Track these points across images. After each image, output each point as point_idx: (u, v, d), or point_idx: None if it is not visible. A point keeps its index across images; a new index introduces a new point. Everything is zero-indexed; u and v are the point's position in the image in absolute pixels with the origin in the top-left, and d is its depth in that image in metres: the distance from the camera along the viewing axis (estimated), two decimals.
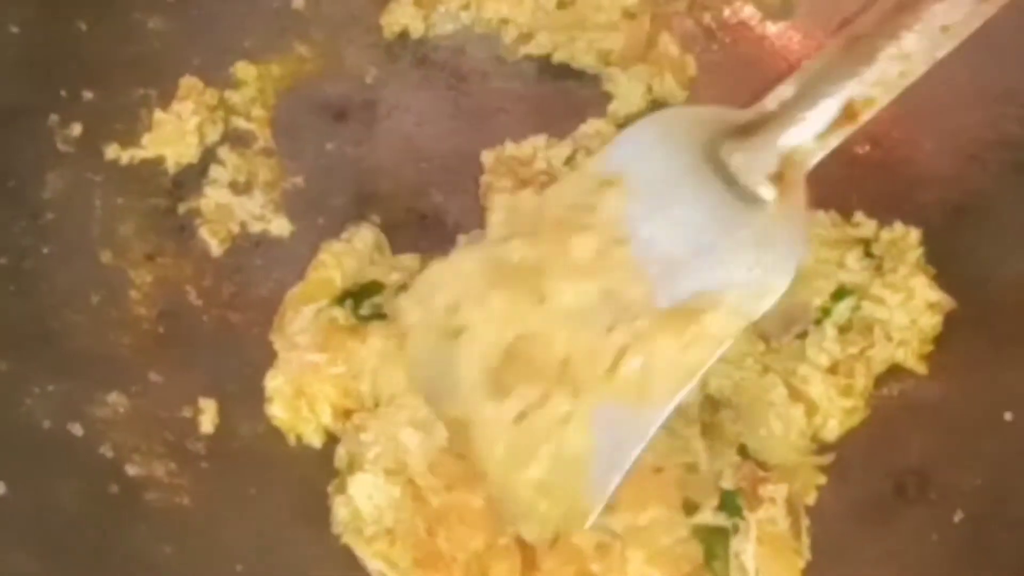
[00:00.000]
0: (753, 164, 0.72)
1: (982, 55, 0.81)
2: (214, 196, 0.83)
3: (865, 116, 0.71)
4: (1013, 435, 0.75)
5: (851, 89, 0.71)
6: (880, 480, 0.77)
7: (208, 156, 0.84)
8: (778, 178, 0.72)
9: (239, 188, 0.84)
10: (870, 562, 0.74)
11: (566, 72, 0.92)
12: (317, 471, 0.73)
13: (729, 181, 0.72)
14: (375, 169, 0.88)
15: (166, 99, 0.83)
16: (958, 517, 0.74)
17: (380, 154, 0.88)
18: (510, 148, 0.86)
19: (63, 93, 0.79)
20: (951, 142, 0.88)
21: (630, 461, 0.67)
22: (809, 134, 0.71)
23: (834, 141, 0.71)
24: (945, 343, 0.81)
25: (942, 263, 0.84)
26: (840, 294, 0.82)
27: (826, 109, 0.71)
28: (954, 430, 0.77)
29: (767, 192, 0.71)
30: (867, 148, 0.90)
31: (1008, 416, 0.76)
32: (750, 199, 0.72)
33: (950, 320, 0.82)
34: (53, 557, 0.61)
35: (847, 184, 0.88)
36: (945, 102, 0.86)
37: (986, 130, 0.87)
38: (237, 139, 0.85)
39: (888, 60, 0.70)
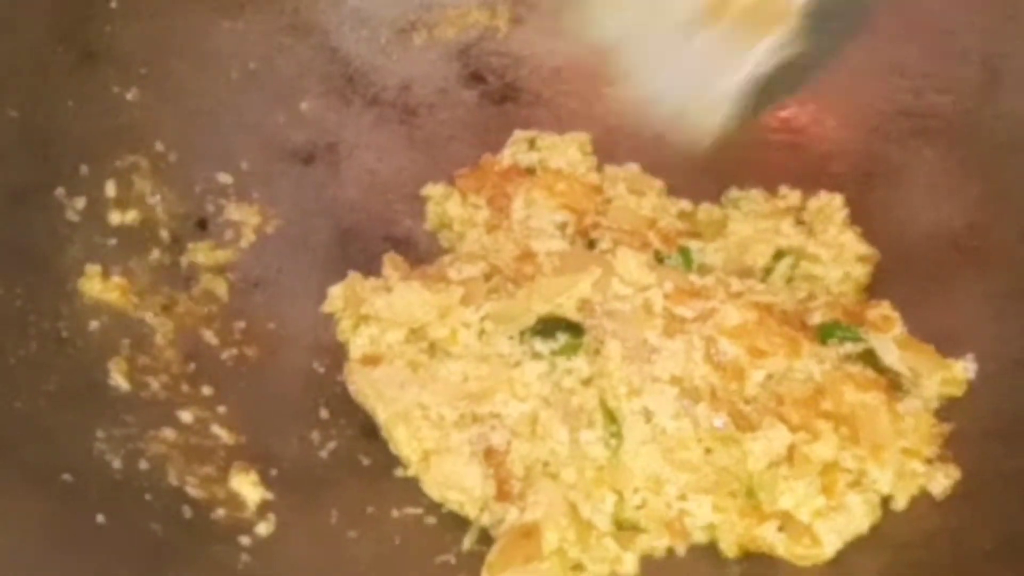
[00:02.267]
0: None
1: (873, 34, 0.93)
2: (208, 248, 0.90)
3: None
4: None
5: None
6: None
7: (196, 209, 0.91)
8: None
9: (229, 239, 0.91)
10: None
11: (505, 96, 1.01)
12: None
13: None
14: (347, 205, 0.96)
15: (154, 162, 0.90)
16: None
17: (349, 191, 0.96)
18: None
19: (64, 168, 0.85)
20: (854, 118, 0.99)
21: None
22: None
23: None
24: (875, 291, 0.92)
25: (862, 223, 0.94)
26: (779, 255, 0.92)
27: None
28: None
29: None
30: (780, 134, 1.00)
31: None
32: None
33: (878, 271, 0.92)
34: (150, 573, 0.68)
35: (766, 166, 0.98)
36: (843, 82, 0.96)
37: (884, 103, 0.98)
38: (219, 191, 0.93)
39: None
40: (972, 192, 0.92)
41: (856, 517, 0.77)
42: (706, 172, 0.92)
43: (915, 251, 0.91)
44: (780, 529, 0.78)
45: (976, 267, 0.88)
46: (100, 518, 0.69)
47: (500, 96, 1.01)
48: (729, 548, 0.79)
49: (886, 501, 0.79)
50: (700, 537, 0.79)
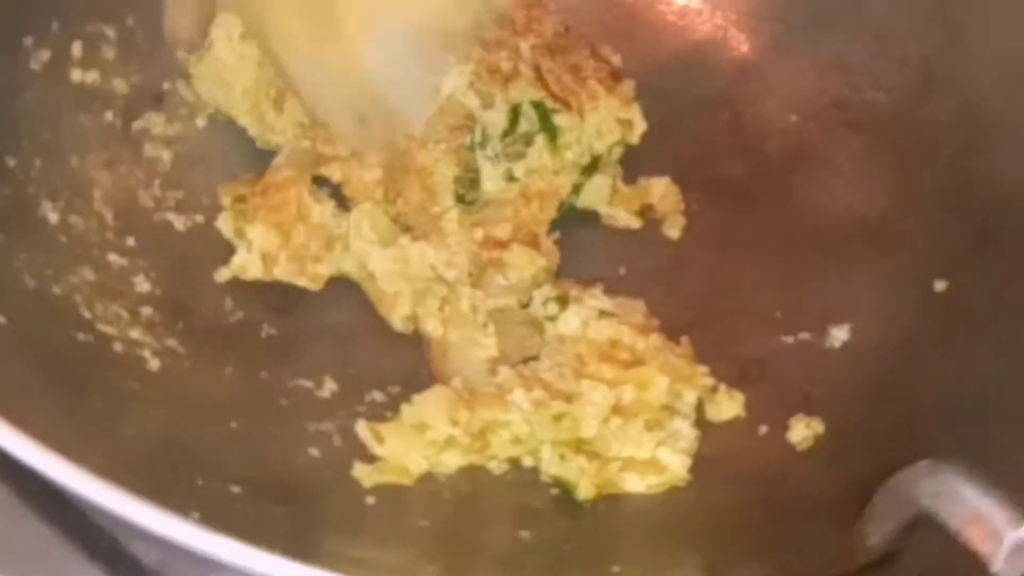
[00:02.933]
0: None
1: (823, 29, 0.99)
2: (162, 120, 0.95)
3: None
4: None
5: None
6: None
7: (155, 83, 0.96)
8: None
9: (183, 115, 0.97)
10: None
11: None
12: None
13: None
14: None
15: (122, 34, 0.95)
16: None
17: None
18: None
19: (37, 21, 0.90)
20: (793, 103, 1.04)
21: None
22: None
23: None
24: (778, 262, 0.97)
25: (782, 199, 0.99)
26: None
27: None
28: None
29: None
30: (722, 111, 1.06)
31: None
32: None
33: (783, 246, 0.98)
34: (48, 371, 0.73)
35: (702, 137, 1.03)
36: (788, 70, 1.02)
37: (822, 94, 1.03)
38: (181, 73, 0.98)
39: None
40: (889, 185, 0.96)
41: (689, 439, 0.82)
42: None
43: (824, 230, 0.96)
44: (623, 470, 0.81)
45: (875, 250, 0.93)
46: (2, 319, 0.74)
47: None
48: (587, 491, 0.82)
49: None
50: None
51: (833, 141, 1.01)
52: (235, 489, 0.72)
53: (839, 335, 0.90)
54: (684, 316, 0.92)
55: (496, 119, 0.92)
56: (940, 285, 0.89)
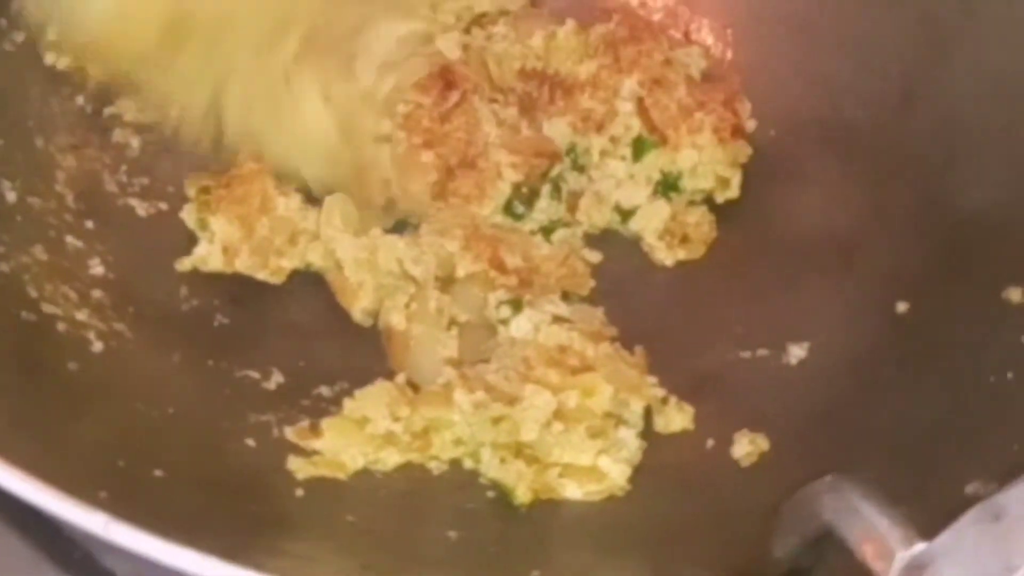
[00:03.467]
0: None
1: (809, 44, 0.98)
2: (133, 108, 0.95)
3: None
4: None
5: None
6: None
7: None
8: None
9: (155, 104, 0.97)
10: None
11: None
12: None
13: None
14: None
15: None
16: None
17: None
18: None
19: (11, 2, 0.91)
20: (773, 118, 1.03)
21: None
22: None
23: None
24: (740, 271, 0.96)
25: (755, 211, 0.99)
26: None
27: None
28: None
29: None
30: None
31: None
32: None
33: (751, 253, 0.97)
34: None
35: None
36: (771, 85, 1.02)
37: (804, 109, 1.02)
38: None
39: None
40: (862, 203, 0.96)
41: (632, 449, 0.81)
42: None
43: (792, 246, 0.95)
44: (562, 475, 0.81)
45: (842, 268, 0.92)
46: None
47: None
48: (524, 495, 0.82)
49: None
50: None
51: (809, 157, 1.00)
52: (158, 473, 0.72)
53: (797, 352, 0.89)
54: (643, 326, 0.92)
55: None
56: (902, 307, 0.89)
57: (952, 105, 0.96)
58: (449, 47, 0.94)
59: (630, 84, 0.97)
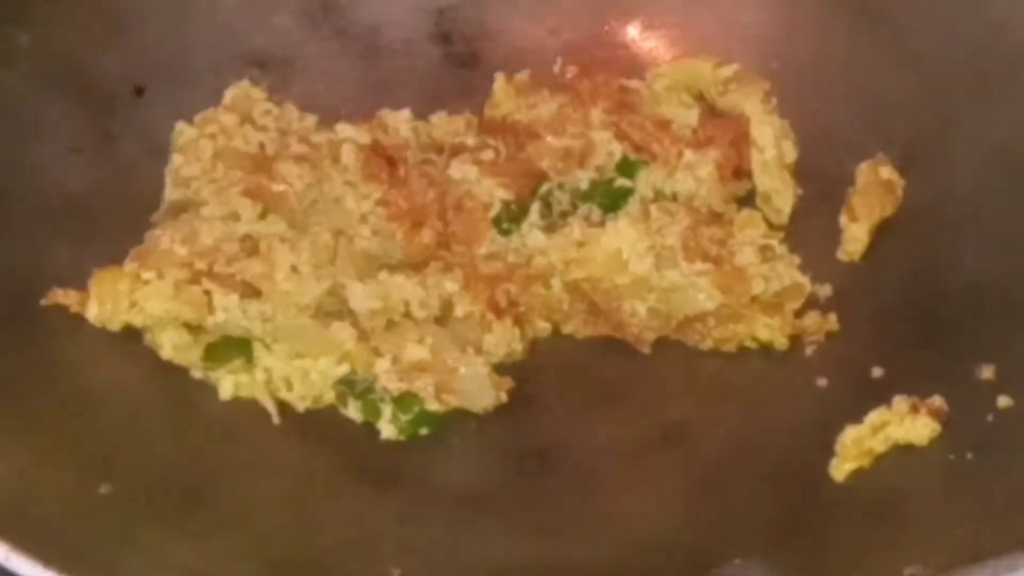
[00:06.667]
0: None
1: (818, 97, 0.98)
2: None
3: None
4: None
5: None
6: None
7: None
8: None
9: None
10: None
11: (465, 62, 1.06)
12: None
13: None
14: None
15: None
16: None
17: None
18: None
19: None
20: None
21: None
22: None
23: None
24: None
25: None
26: None
27: None
28: None
29: None
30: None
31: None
32: None
33: None
34: None
35: None
36: None
37: (807, 160, 1.02)
38: None
39: None
40: (848, 265, 0.95)
41: None
42: None
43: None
44: None
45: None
46: None
47: (461, 61, 1.06)
48: None
49: None
50: None
51: (806, 211, 0.99)
52: None
53: None
54: None
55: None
56: (877, 372, 0.88)
57: (951, 174, 0.96)
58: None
59: (597, 114, 0.96)
